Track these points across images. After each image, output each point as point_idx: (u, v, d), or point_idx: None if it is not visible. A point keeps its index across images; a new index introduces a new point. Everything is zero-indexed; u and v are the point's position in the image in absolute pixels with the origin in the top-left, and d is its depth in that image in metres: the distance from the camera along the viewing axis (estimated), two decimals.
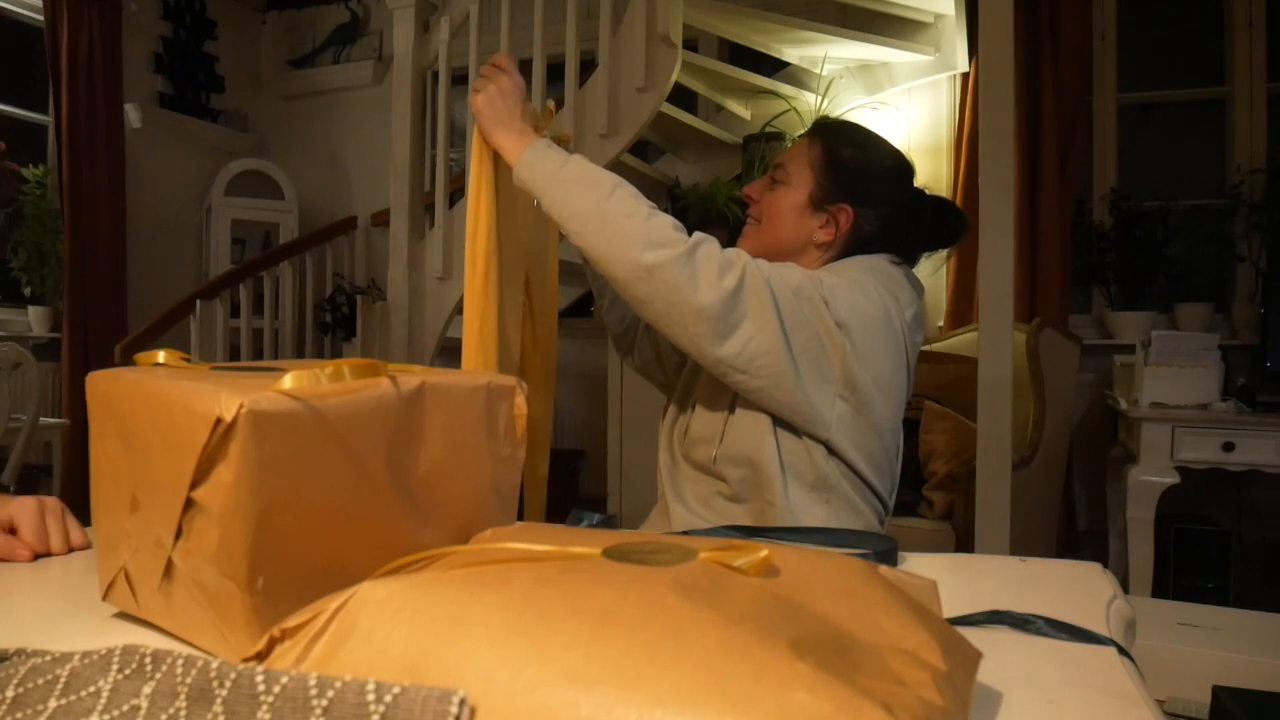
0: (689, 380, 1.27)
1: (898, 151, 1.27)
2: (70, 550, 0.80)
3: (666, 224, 1.03)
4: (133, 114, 4.41)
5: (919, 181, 1.26)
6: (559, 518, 0.80)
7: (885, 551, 0.82)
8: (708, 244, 1.03)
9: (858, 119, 3.66)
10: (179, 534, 0.54)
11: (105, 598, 0.62)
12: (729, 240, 1.18)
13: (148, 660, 0.40)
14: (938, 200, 1.26)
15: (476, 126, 1.11)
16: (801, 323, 1.05)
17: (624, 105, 2.88)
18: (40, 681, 0.41)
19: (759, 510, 1.13)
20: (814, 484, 1.11)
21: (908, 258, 1.23)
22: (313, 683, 0.35)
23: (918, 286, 1.19)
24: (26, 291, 4.06)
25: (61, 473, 3.35)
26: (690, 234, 1.04)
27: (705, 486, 1.19)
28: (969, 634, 0.60)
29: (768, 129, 3.57)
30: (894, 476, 1.21)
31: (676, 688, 0.32)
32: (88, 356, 4.03)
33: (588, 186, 1.05)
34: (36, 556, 0.77)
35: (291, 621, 0.41)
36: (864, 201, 1.18)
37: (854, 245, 1.19)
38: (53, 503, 0.81)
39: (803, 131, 1.28)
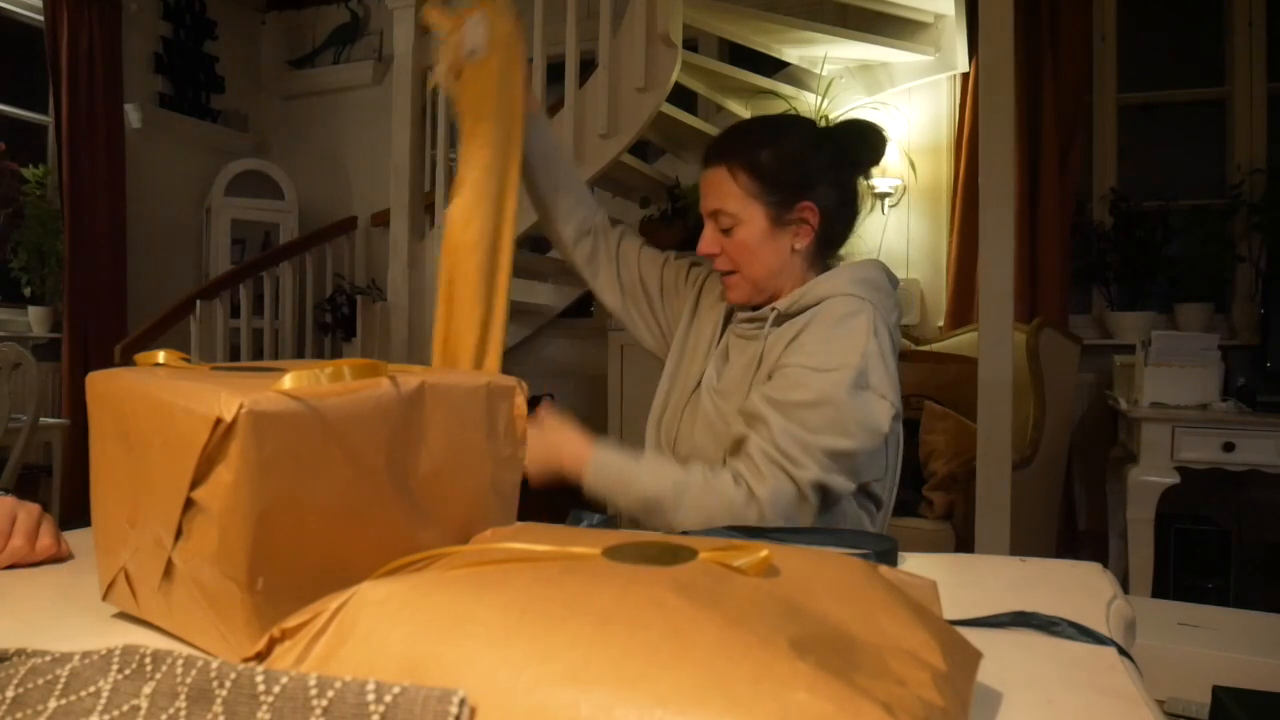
0: (670, 393, 1.27)
1: (790, 115, 1.26)
2: (34, 558, 0.75)
3: (735, 502, 1.04)
4: (133, 114, 4.40)
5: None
6: (559, 518, 0.80)
7: (885, 551, 0.81)
8: (774, 500, 1.04)
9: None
10: (179, 534, 0.54)
11: (105, 598, 0.62)
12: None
13: (148, 660, 0.40)
14: (846, 129, 1.24)
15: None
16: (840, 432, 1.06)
17: (624, 105, 2.88)
18: (40, 681, 0.41)
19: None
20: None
21: (857, 197, 1.23)
22: (313, 683, 0.35)
23: (894, 281, 1.20)
24: (26, 291, 4.05)
25: (61, 473, 3.35)
26: (745, 484, 1.04)
27: None
28: (989, 634, 0.60)
29: None
30: (894, 473, 1.20)
31: (676, 688, 0.32)
32: (88, 356, 4.02)
33: (659, 509, 1.06)
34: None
35: (291, 621, 0.41)
36: (813, 185, 1.16)
37: (827, 227, 1.18)
38: (30, 509, 0.78)
39: (704, 161, 1.21)
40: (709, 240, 1.19)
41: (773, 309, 1.17)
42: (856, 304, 1.11)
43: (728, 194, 1.17)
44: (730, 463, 1.09)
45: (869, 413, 1.05)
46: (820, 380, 1.05)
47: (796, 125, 1.24)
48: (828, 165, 1.18)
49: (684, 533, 1.00)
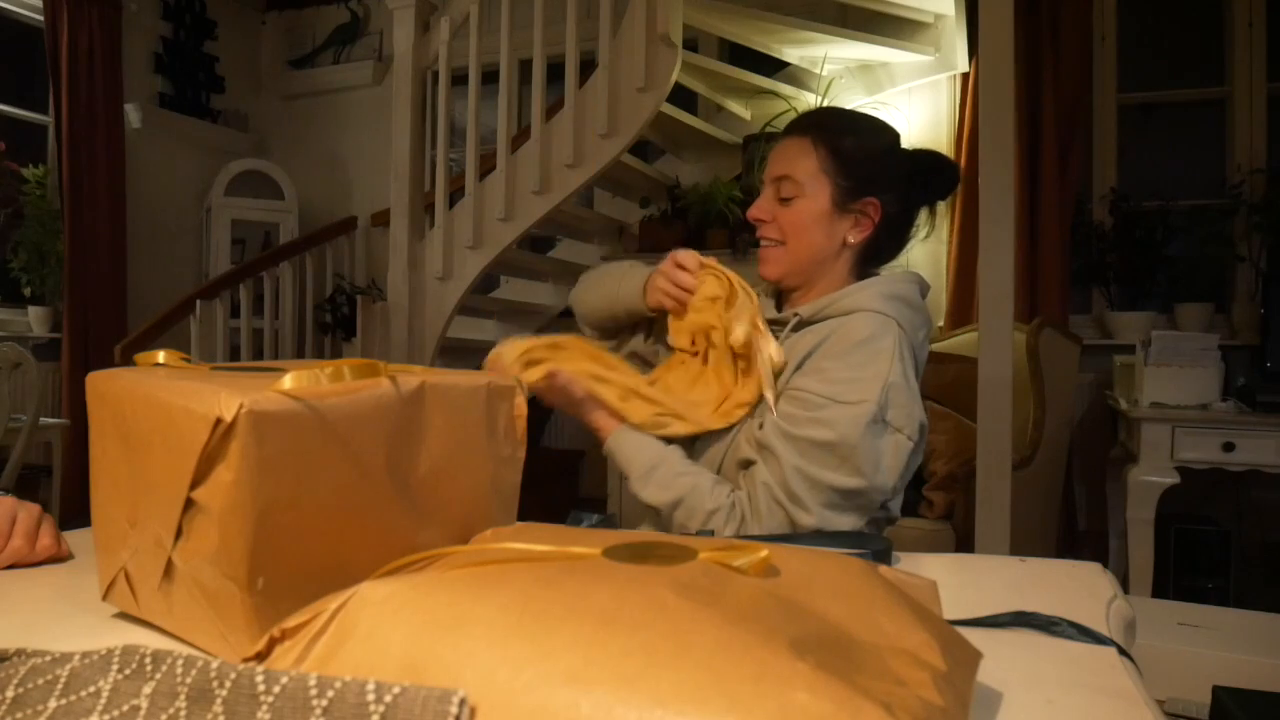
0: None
1: (880, 119, 1.26)
2: (34, 558, 0.75)
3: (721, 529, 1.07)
4: (133, 114, 4.40)
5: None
6: (559, 518, 0.80)
7: (879, 552, 0.81)
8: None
9: None
10: (179, 534, 0.54)
11: (105, 598, 0.62)
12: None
13: (148, 660, 0.40)
14: (928, 155, 1.24)
15: None
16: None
17: (624, 105, 2.88)
18: (40, 681, 0.41)
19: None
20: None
21: (914, 223, 1.23)
22: (313, 683, 0.35)
23: (925, 290, 1.18)
24: (26, 291, 4.05)
25: (61, 473, 3.34)
26: (739, 516, 1.07)
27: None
28: (989, 634, 0.60)
29: (768, 129, 3.57)
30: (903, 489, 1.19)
31: (676, 688, 0.32)
32: (88, 356, 4.02)
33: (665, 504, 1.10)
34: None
35: (291, 621, 0.41)
36: (884, 187, 1.16)
37: (883, 232, 1.18)
38: (31, 509, 0.78)
39: (786, 131, 1.21)
40: (764, 207, 1.19)
41: (795, 314, 1.15)
42: (881, 324, 1.09)
43: (801, 163, 1.16)
44: (736, 491, 1.09)
45: (882, 452, 1.04)
46: (837, 414, 1.03)
47: (885, 128, 1.25)
48: (902, 176, 1.18)
49: (699, 532, 1.00)
